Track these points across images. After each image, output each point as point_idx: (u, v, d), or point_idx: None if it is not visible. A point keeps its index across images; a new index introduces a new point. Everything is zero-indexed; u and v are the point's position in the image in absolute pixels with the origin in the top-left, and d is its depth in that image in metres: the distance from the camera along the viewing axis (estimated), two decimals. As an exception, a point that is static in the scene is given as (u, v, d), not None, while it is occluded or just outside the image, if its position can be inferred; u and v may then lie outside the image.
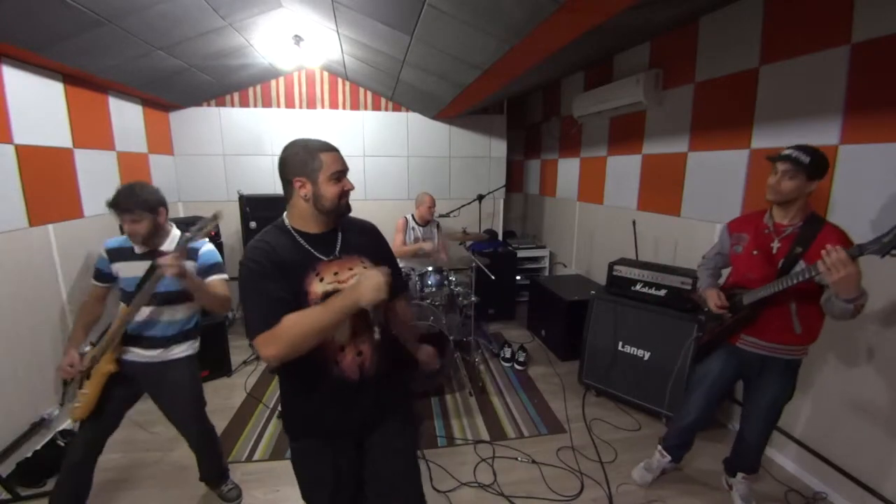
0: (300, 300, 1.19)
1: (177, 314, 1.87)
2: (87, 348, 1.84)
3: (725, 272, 2.07)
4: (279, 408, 2.86)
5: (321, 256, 1.25)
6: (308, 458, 1.37)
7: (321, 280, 1.22)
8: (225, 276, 1.90)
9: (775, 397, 1.86)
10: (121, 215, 1.74)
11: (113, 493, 2.19)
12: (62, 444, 2.44)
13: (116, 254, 1.82)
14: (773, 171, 1.71)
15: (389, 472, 1.38)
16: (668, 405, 2.68)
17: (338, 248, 1.29)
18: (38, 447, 2.40)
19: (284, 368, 1.23)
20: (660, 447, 2.26)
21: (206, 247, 1.89)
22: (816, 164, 1.62)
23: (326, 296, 1.19)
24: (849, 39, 1.97)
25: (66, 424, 2.66)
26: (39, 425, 2.47)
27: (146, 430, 2.64)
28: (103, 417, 1.81)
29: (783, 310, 1.74)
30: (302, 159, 1.23)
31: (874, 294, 1.90)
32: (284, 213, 1.30)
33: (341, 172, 1.25)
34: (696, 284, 2.20)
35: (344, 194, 1.26)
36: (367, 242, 1.38)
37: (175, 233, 1.89)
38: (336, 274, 1.25)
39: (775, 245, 1.75)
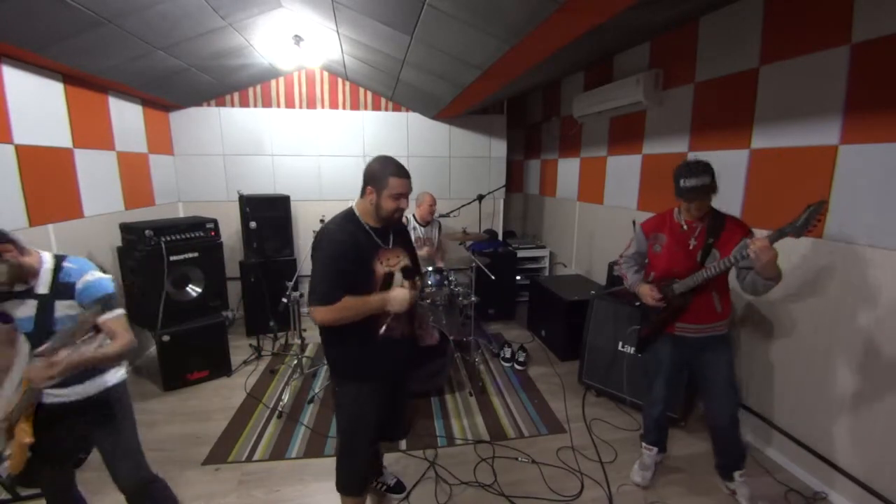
0: (368, 276, 1.61)
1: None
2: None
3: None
4: (280, 406, 2.87)
5: (381, 244, 1.66)
6: (361, 397, 1.71)
7: (381, 263, 1.64)
8: (121, 311, 1.53)
9: (726, 370, 2.03)
10: None
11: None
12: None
13: None
14: (685, 201, 1.91)
15: (403, 407, 2.02)
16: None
17: (391, 242, 1.71)
18: (38, 447, 2.39)
19: (344, 328, 1.57)
20: (644, 444, 2.31)
21: (86, 277, 1.50)
22: (713, 179, 1.85)
23: (385, 275, 1.64)
24: (849, 39, 1.97)
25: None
26: (39, 425, 2.46)
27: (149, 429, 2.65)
28: (48, 465, 1.61)
29: (707, 295, 1.98)
30: (376, 174, 1.61)
31: (874, 294, 1.92)
32: (353, 204, 1.71)
33: (401, 195, 1.62)
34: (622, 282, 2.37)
35: (398, 210, 1.64)
36: (404, 238, 1.83)
37: (44, 258, 1.52)
38: (388, 259, 1.68)
39: (692, 241, 1.98)
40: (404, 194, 1.64)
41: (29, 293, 1.47)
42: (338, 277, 1.53)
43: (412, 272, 1.73)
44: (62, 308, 1.48)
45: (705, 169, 1.84)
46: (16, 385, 1.54)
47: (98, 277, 1.53)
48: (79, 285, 1.49)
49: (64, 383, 1.49)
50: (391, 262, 1.68)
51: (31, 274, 1.47)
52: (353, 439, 1.76)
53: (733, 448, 2.11)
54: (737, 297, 2.32)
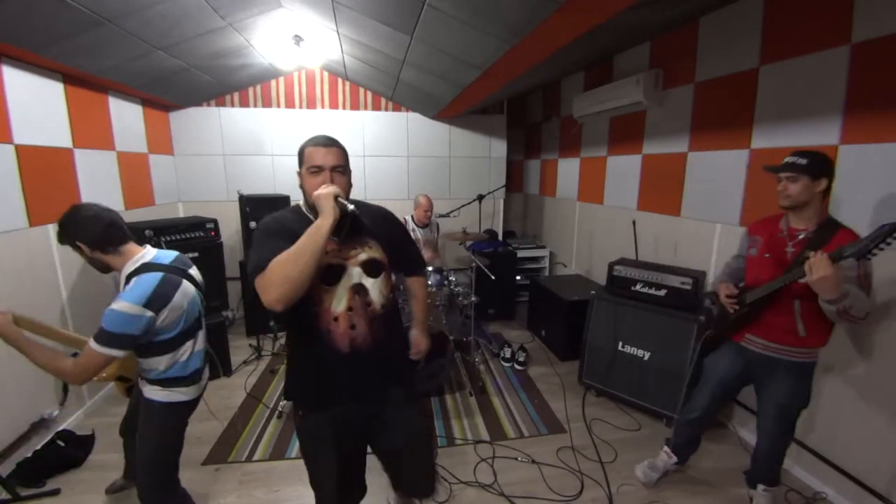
0: None
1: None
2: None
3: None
4: (280, 406, 2.87)
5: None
6: (310, 439, 1.41)
7: (326, 253, 1.26)
8: (92, 345, 1.38)
9: (783, 400, 1.83)
10: None
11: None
12: (62, 444, 2.44)
13: None
14: (777, 180, 1.74)
15: (397, 447, 1.50)
16: (679, 409, 2.65)
17: (343, 230, 1.32)
18: (38, 447, 2.40)
19: (288, 336, 1.38)
20: (666, 448, 2.26)
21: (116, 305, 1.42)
22: (815, 163, 1.64)
23: (329, 267, 1.30)
24: (849, 39, 1.97)
25: (67, 425, 2.66)
26: (39, 425, 2.47)
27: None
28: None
29: (786, 310, 1.74)
30: (299, 151, 1.36)
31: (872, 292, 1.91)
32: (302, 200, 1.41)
33: (318, 168, 1.29)
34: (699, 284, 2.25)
35: (325, 194, 1.23)
36: (378, 226, 1.45)
37: (130, 263, 1.55)
38: (341, 251, 1.34)
39: (789, 249, 1.75)
40: (325, 167, 1.28)
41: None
42: (267, 252, 1.19)
43: (377, 268, 1.38)
44: None
45: (809, 154, 1.65)
46: None
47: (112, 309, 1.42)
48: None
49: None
50: (343, 254, 1.34)
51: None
52: (318, 487, 1.43)
53: (765, 469, 2.01)
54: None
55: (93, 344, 1.38)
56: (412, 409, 1.56)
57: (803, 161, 1.64)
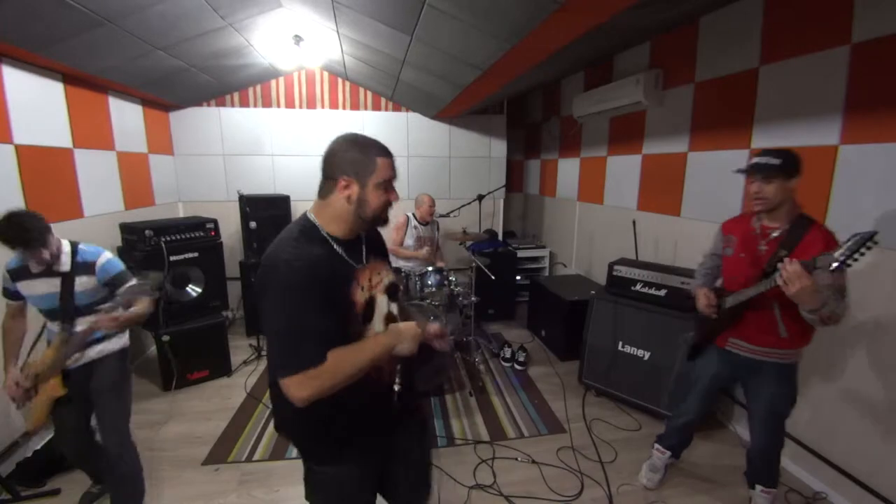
0: (347, 311, 1.11)
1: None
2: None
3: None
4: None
5: (355, 264, 1.16)
6: (346, 486, 1.22)
7: (362, 289, 1.15)
8: (135, 281, 1.81)
9: (770, 402, 1.83)
10: (24, 252, 1.65)
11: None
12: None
13: (16, 274, 1.76)
14: (749, 182, 1.70)
15: (405, 479, 1.40)
16: (665, 405, 2.68)
17: (364, 255, 1.21)
18: (38, 447, 2.40)
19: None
20: (658, 445, 2.27)
21: (103, 257, 1.82)
22: (788, 163, 1.61)
23: (366, 303, 1.16)
24: (849, 39, 1.97)
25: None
26: (39, 425, 2.47)
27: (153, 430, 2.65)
28: (65, 418, 1.87)
29: (767, 313, 1.73)
30: (354, 158, 1.10)
31: (871, 291, 1.91)
32: (310, 212, 1.16)
33: (390, 182, 1.14)
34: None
35: (388, 205, 1.16)
36: (379, 245, 1.34)
37: (65, 245, 1.78)
38: (369, 280, 1.19)
39: (762, 247, 1.74)
40: (393, 180, 1.16)
41: (49, 272, 1.74)
42: (313, 327, 1.00)
43: (397, 289, 1.28)
44: (80, 284, 1.77)
45: (780, 153, 1.61)
46: (25, 353, 1.86)
47: (110, 258, 1.85)
48: (98, 263, 1.80)
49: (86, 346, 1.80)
50: (372, 283, 1.19)
51: (57, 255, 1.75)
52: None
53: (760, 470, 2.01)
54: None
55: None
56: (426, 436, 1.49)
57: (776, 161, 1.60)
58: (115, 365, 1.89)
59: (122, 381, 1.91)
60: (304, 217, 1.15)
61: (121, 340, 1.93)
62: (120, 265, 1.87)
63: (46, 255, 1.67)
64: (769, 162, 1.61)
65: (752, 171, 1.65)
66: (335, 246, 1.12)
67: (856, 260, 1.37)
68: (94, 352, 1.84)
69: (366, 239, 1.23)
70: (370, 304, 1.18)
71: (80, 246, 1.80)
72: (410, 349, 1.14)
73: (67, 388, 1.77)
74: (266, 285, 1.03)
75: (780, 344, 1.74)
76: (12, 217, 1.60)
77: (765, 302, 1.70)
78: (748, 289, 1.71)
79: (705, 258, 2.09)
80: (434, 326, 1.35)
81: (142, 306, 1.77)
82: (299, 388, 0.99)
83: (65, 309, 1.75)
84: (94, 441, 1.94)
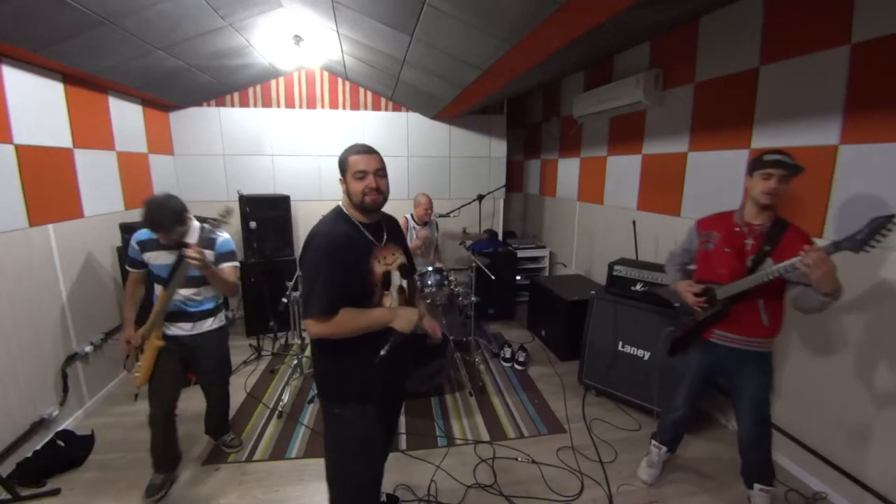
0: (365, 277, 1.48)
1: (203, 294, 2.16)
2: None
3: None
4: (280, 406, 2.87)
5: (376, 242, 1.53)
6: (366, 419, 1.55)
7: (379, 262, 1.52)
8: (236, 263, 2.18)
9: (757, 391, 1.91)
10: (158, 231, 1.95)
11: (113, 492, 2.19)
12: (62, 444, 2.44)
13: (145, 245, 2.06)
14: (762, 178, 1.73)
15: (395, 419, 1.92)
16: (656, 402, 2.69)
17: (384, 238, 1.58)
18: (38, 447, 2.40)
19: (338, 345, 1.45)
20: (654, 442, 2.29)
21: (223, 236, 2.16)
22: (796, 163, 1.69)
23: (384, 275, 1.53)
24: (849, 39, 1.97)
25: (66, 425, 2.66)
26: (39, 425, 2.47)
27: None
28: (163, 379, 2.13)
29: (753, 304, 1.83)
30: (341, 160, 1.53)
31: (870, 291, 1.91)
32: (340, 203, 1.58)
33: (365, 172, 1.46)
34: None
35: (368, 191, 1.46)
36: (398, 234, 1.70)
37: (195, 224, 2.07)
38: (385, 257, 1.56)
39: (748, 242, 1.83)
40: (368, 171, 1.46)
41: (177, 245, 2.00)
42: (334, 283, 1.38)
43: (410, 270, 1.66)
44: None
45: (786, 153, 1.71)
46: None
47: (227, 238, 2.17)
48: (219, 240, 2.12)
49: (185, 319, 2.14)
50: (388, 261, 1.56)
51: (186, 231, 2.04)
52: (360, 472, 1.59)
53: (755, 465, 2.01)
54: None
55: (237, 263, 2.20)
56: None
57: (790, 161, 1.68)
58: (213, 342, 2.24)
59: (218, 353, 2.31)
60: (338, 206, 1.58)
61: (218, 320, 2.26)
62: (232, 245, 2.19)
63: (175, 237, 1.96)
64: (786, 160, 1.68)
65: (775, 166, 1.70)
66: (361, 227, 1.52)
67: (878, 242, 1.44)
68: (206, 325, 2.19)
69: (386, 228, 1.61)
70: (387, 276, 1.55)
71: (205, 224, 2.05)
72: (402, 328, 1.47)
73: (171, 351, 2.11)
74: (307, 247, 1.45)
75: (763, 332, 1.85)
76: (161, 200, 1.93)
77: (752, 293, 1.79)
78: (742, 280, 1.78)
79: (675, 254, 2.16)
80: (432, 322, 1.67)
81: (227, 274, 2.10)
82: (312, 326, 1.40)
83: (172, 273, 2.02)
84: (175, 423, 2.21)
